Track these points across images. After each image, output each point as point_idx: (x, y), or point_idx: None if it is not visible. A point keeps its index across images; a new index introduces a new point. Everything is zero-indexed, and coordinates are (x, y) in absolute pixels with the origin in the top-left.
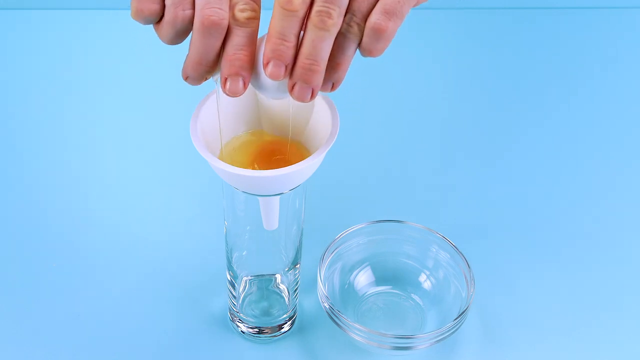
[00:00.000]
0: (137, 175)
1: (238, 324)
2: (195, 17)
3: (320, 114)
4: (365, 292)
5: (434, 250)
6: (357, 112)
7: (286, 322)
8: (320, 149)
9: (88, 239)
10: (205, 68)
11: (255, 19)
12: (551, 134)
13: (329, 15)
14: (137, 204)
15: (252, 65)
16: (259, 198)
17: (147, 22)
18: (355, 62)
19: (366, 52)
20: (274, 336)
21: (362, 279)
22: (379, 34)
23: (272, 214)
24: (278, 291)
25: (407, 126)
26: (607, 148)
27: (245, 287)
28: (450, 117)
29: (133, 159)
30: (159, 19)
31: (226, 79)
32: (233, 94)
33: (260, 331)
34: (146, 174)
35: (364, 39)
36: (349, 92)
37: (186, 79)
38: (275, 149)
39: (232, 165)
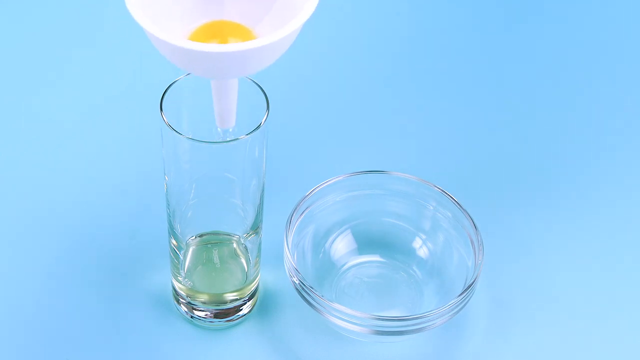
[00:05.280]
0: (58, 120)
1: (183, 306)
2: None
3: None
4: (346, 263)
5: (431, 208)
6: (330, 42)
7: (245, 303)
8: (298, 17)
9: None
10: None
11: None
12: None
13: None
14: (56, 155)
15: None
16: (213, 85)
17: None
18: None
19: None
20: (230, 321)
21: (341, 246)
22: None
23: (229, 103)
24: (234, 264)
25: (393, 56)
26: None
27: (192, 258)
28: (446, 48)
29: (57, 102)
30: None
31: None
32: None
33: (212, 315)
34: (69, 119)
35: None
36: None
37: None
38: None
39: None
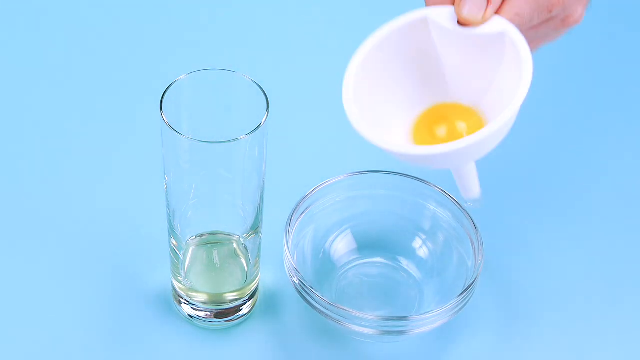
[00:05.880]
0: (58, 119)
1: (184, 305)
2: None
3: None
4: (346, 263)
5: (431, 208)
6: (330, 42)
7: (245, 303)
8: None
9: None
10: None
11: None
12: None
13: None
14: (55, 155)
15: None
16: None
17: None
18: None
19: None
20: (230, 321)
21: (341, 246)
22: None
23: (470, 176)
24: (234, 264)
25: None
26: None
27: (192, 258)
28: None
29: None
30: None
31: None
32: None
33: (212, 315)
34: (69, 119)
35: None
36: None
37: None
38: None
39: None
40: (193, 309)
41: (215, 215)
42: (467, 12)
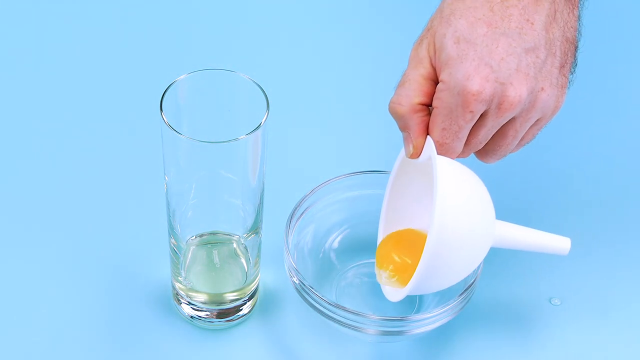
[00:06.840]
0: (58, 119)
1: (184, 306)
2: None
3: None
4: (346, 263)
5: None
6: (331, 42)
7: (245, 303)
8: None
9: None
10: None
11: None
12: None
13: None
14: (56, 155)
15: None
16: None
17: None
18: None
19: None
20: (230, 321)
21: (341, 246)
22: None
23: (545, 247)
24: (234, 264)
25: (394, 57)
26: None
27: (192, 258)
28: None
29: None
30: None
31: None
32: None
33: (213, 314)
34: (69, 119)
35: None
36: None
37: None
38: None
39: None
40: (193, 309)
41: (215, 215)
42: (405, 152)
